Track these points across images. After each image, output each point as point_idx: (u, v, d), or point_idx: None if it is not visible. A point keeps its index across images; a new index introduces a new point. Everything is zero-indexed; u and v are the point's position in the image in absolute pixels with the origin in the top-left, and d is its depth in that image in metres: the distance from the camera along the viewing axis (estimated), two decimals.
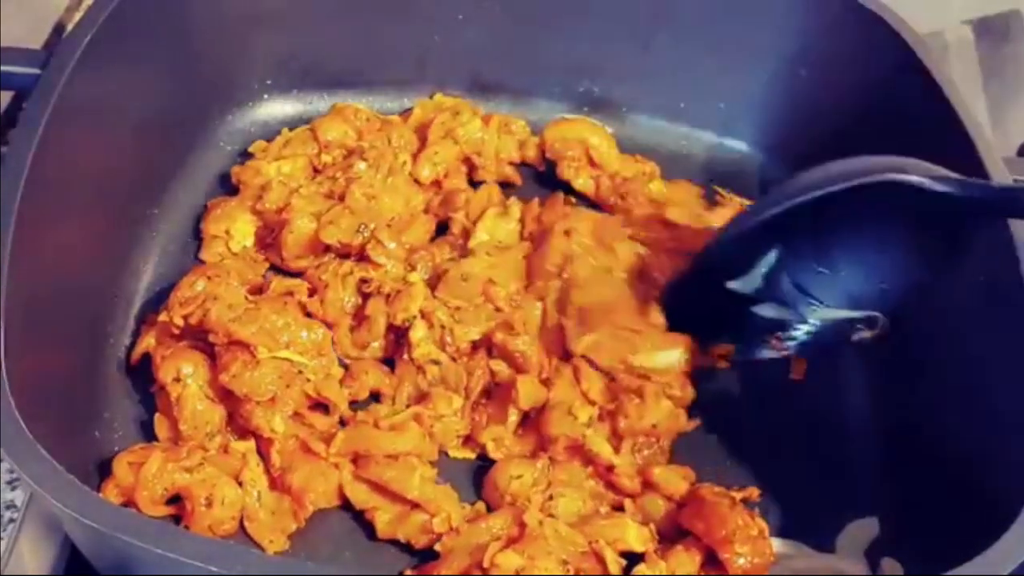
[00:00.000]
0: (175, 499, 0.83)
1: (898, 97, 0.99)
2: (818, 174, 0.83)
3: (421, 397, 0.91)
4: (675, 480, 0.86)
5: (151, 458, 0.82)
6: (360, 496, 0.85)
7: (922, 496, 0.87)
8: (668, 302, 0.93)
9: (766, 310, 0.87)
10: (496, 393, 0.92)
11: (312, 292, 0.94)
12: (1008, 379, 0.82)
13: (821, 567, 0.85)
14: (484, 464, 0.90)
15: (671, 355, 0.90)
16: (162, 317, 0.89)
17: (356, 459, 0.86)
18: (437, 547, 0.82)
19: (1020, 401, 0.80)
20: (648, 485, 0.86)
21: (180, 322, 0.88)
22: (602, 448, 0.86)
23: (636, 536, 0.83)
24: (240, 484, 0.84)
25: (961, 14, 1.26)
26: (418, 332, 0.92)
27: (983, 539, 0.69)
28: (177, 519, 0.83)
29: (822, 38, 1.04)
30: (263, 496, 0.84)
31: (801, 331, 0.88)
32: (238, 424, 0.87)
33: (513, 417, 0.90)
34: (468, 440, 0.90)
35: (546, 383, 0.90)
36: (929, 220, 0.79)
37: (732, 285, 0.86)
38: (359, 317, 0.94)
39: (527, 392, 0.89)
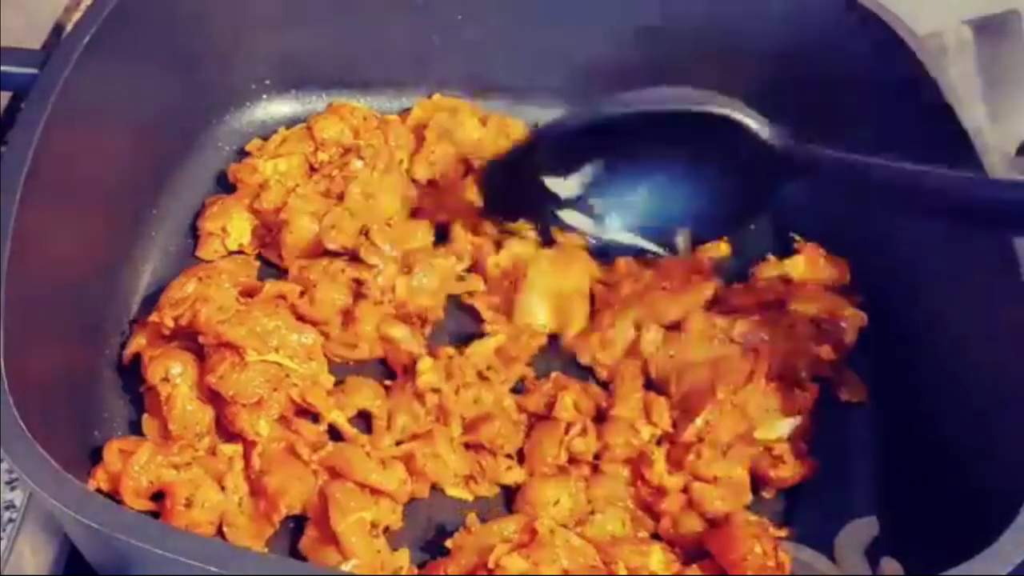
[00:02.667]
0: (160, 496, 0.83)
1: (897, 97, 0.99)
2: (651, 94, 0.87)
3: (415, 436, 0.89)
4: (713, 499, 0.86)
5: (141, 449, 0.82)
6: (312, 502, 0.84)
7: (922, 496, 0.87)
8: (485, 180, 0.97)
9: (569, 217, 0.91)
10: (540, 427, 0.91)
11: (303, 293, 0.93)
12: (1008, 379, 0.81)
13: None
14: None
15: (788, 423, 0.90)
16: (153, 318, 0.89)
17: (332, 473, 0.85)
18: (448, 543, 0.82)
19: (1020, 401, 0.79)
20: (688, 501, 0.86)
21: (170, 323, 0.88)
22: (660, 464, 0.86)
23: (658, 562, 0.82)
24: (223, 488, 0.83)
25: (961, 14, 1.26)
26: (425, 362, 0.91)
27: (983, 539, 0.69)
28: (156, 516, 0.83)
29: (821, 38, 1.04)
30: (244, 502, 0.84)
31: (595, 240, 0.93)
32: (226, 427, 0.87)
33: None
34: (470, 480, 0.88)
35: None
36: (742, 169, 0.82)
37: (548, 182, 0.89)
38: (348, 318, 0.94)
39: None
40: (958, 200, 0.75)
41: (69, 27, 0.95)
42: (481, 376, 0.92)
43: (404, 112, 1.11)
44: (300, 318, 0.92)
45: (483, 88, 1.13)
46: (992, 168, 0.87)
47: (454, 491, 0.88)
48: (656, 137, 0.85)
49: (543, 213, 0.94)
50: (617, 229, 0.93)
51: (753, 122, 0.81)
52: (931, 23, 1.22)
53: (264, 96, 1.12)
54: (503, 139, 1.08)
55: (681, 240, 0.91)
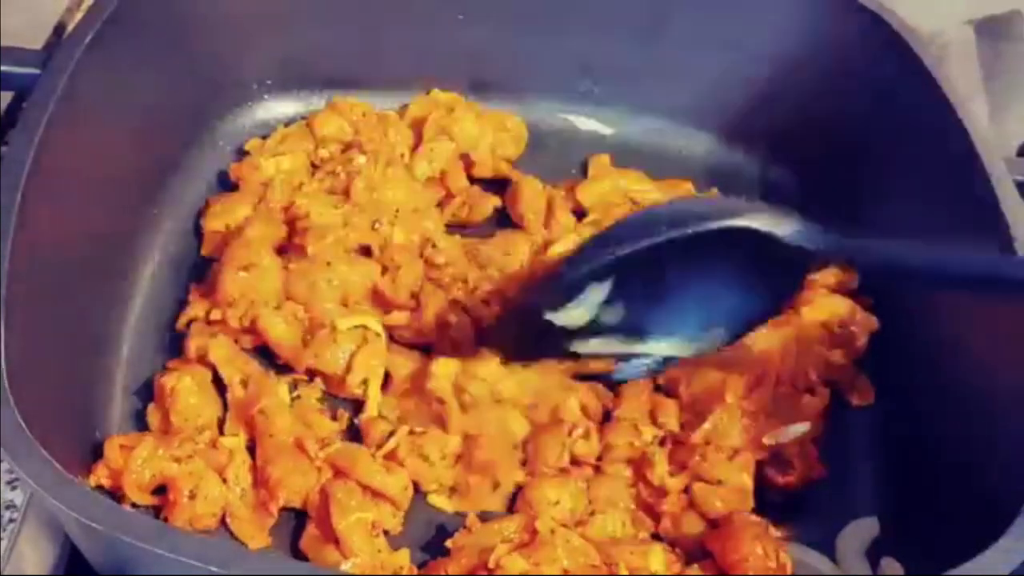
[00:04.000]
0: (161, 490, 0.84)
1: (898, 97, 0.99)
2: (656, 217, 0.80)
3: (412, 432, 0.88)
4: (713, 500, 0.85)
5: (142, 443, 0.82)
6: (313, 500, 0.84)
7: (923, 496, 0.87)
8: (498, 334, 0.90)
9: (584, 347, 0.83)
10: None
11: (384, 271, 0.94)
12: (1007, 380, 0.81)
13: None
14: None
15: (797, 428, 0.89)
16: (214, 315, 0.91)
17: (336, 472, 0.85)
18: (448, 543, 0.82)
19: (1019, 402, 0.79)
20: (689, 502, 0.86)
21: (236, 323, 0.91)
22: (662, 465, 0.86)
23: (659, 562, 0.81)
24: (224, 481, 0.84)
25: (961, 14, 1.26)
26: (442, 366, 0.90)
27: (983, 539, 0.69)
28: (159, 510, 0.83)
29: (822, 38, 1.04)
30: (246, 494, 0.84)
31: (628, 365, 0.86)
32: (232, 419, 0.88)
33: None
34: (454, 493, 0.88)
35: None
36: (768, 264, 0.77)
37: (553, 317, 0.81)
38: (418, 303, 0.94)
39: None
40: (986, 278, 0.74)
41: (70, 27, 0.95)
42: (496, 399, 0.91)
43: (403, 109, 1.11)
44: (376, 296, 0.94)
45: (484, 88, 1.13)
46: (992, 169, 0.87)
47: (434, 499, 0.87)
48: (673, 255, 0.78)
49: (560, 350, 0.85)
50: (643, 341, 0.84)
51: (780, 228, 0.75)
52: (932, 23, 1.22)
53: (265, 96, 1.12)
54: (501, 134, 1.08)
55: (714, 341, 0.83)
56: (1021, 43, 1.25)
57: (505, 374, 0.91)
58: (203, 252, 1.00)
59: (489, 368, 0.91)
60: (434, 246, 0.96)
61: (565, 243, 0.98)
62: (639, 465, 0.87)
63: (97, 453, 0.84)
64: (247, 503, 0.84)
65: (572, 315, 0.81)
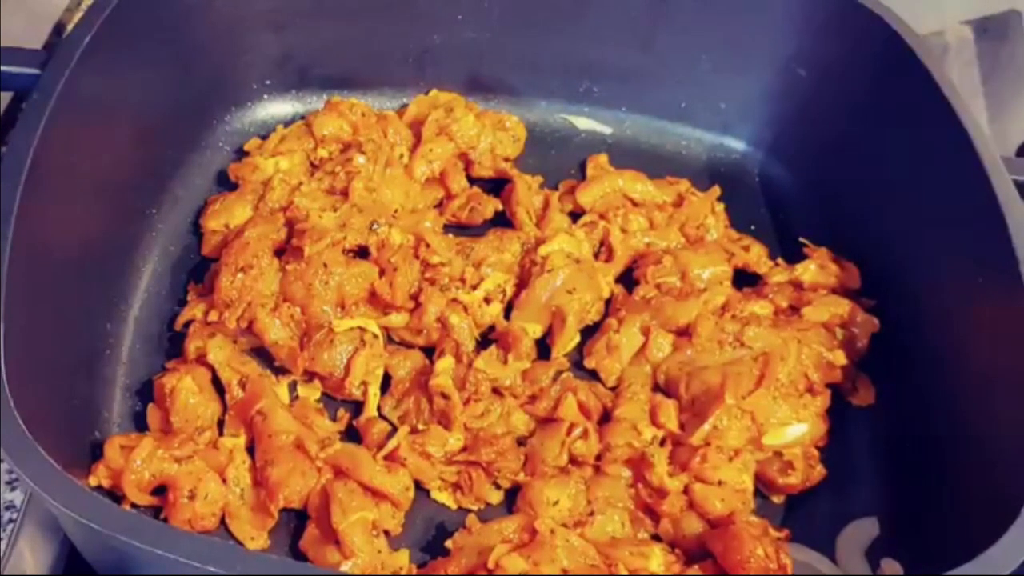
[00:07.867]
0: (161, 491, 0.84)
1: (897, 97, 0.99)
2: None
3: (414, 430, 0.89)
4: (713, 501, 0.85)
5: (142, 443, 0.82)
6: (314, 501, 0.84)
7: (923, 497, 0.87)
8: None
9: None
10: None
11: (381, 273, 0.94)
12: (1007, 380, 0.81)
13: None
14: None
15: (798, 429, 0.89)
16: (212, 316, 0.91)
17: (337, 472, 0.85)
18: (447, 544, 0.82)
19: (1019, 402, 0.79)
20: (688, 502, 0.86)
21: (233, 324, 0.91)
22: (661, 465, 0.86)
23: (658, 563, 0.81)
24: (224, 481, 0.84)
25: (961, 14, 1.26)
26: (444, 363, 0.90)
27: (983, 539, 0.69)
28: (158, 511, 0.83)
29: (822, 38, 1.04)
30: (246, 494, 0.84)
31: None
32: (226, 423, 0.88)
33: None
34: (457, 489, 0.88)
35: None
36: None
37: None
38: (416, 303, 0.94)
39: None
40: None
41: (70, 27, 0.95)
42: (496, 392, 0.91)
43: (402, 109, 1.11)
44: (374, 297, 0.94)
45: (483, 88, 1.13)
46: (991, 168, 0.87)
47: (438, 495, 0.88)
48: None
49: None
50: None
51: None
52: (931, 23, 1.22)
53: (265, 96, 1.12)
54: (501, 134, 1.08)
55: None
56: (1019, 43, 1.25)
57: (510, 375, 0.91)
58: (203, 252, 1.00)
59: (496, 371, 0.91)
60: (427, 246, 0.96)
61: (556, 242, 0.98)
62: (639, 465, 0.87)
63: (97, 453, 0.84)
64: (247, 503, 0.84)
65: None
